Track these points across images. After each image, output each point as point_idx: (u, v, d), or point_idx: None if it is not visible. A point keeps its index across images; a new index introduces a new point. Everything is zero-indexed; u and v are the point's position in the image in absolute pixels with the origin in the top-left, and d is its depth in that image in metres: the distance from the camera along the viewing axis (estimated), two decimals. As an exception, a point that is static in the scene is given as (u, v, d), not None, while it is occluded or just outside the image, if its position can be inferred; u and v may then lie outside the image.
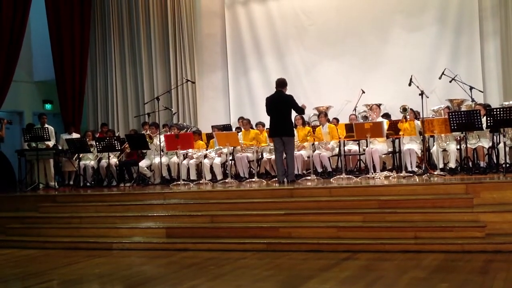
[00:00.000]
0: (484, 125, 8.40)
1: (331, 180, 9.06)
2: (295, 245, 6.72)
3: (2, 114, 13.08)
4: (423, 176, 8.64)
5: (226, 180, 9.96)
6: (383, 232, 6.59)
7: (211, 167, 10.66)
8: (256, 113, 13.01)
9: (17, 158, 11.55)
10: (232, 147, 10.38)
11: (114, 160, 11.24)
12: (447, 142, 9.28)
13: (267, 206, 7.69)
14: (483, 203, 6.78)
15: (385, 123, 9.47)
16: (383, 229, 6.63)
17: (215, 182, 10.26)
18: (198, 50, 14.17)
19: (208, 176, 10.55)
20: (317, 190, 7.98)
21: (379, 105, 10.35)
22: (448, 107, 10.05)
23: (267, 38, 13.58)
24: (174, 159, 10.78)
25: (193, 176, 10.61)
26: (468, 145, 8.79)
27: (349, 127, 9.75)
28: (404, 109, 9.29)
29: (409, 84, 9.23)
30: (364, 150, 9.93)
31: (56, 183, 11.59)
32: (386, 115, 10.71)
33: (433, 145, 9.61)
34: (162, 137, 10.59)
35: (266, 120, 11.37)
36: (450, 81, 9.85)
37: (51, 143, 11.66)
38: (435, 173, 8.74)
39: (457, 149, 9.02)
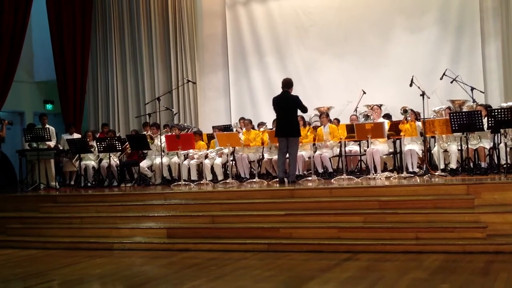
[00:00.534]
0: (485, 126, 8.40)
1: (332, 180, 9.05)
2: (296, 246, 6.72)
3: (3, 114, 13.09)
4: (424, 177, 8.63)
5: (227, 181, 9.96)
6: (384, 232, 6.59)
7: (212, 168, 10.67)
8: (257, 113, 13.03)
9: (18, 158, 11.54)
10: (233, 148, 10.38)
11: (115, 161, 11.25)
12: (448, 143, 9.27)
13: (268, 206, 7.69)
14: (484, 203, 6.78)
15: (386, 124, 9.46)
16: (384, 229, 6.63)
17: (216, 183, 10.26)
18: (199, 50, 14.17)
19: (209, 176, 10.56)
20: (318, 190, 7.98)
21: (380, 106, 10.34)
22: (449, 108, 10.04)
23: (268, 38, 13.58)
24: (175, 159, 10.79)
25: (194, 176, 10.61)
26: (469, 146, 8.79)
27: (350, 128, 9.75)
28: (404, 111, 9.28)
29: (410, 85, 9.24)
30: (365, 150, 9.93)
31: (57, 183, 11.59)
32: (387, 116, 10.71)
33: (434, 146, 9.61)
34: (163, 138, 10.59)
35: (267, 119, 11.43)
36: (451, 82, 9.85)
37: (52, 144, 11.66)
38: (436, 173, 8.74)
39: (458, 149, 9.01)
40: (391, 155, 10.01)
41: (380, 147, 9.68)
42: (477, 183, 7.09)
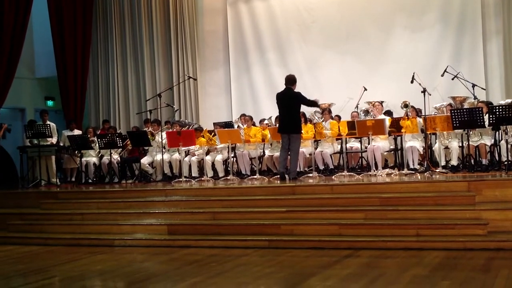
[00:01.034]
0: (486, 123, 8.40)
1: (333, 177, 9.06)
2: (297, 242, 6.72)
3: (4, 111, 13.11)
4: (425, 174, 8.64)
5: (228, 177, 9.96)
6: (385, 229, 6.59)
7: (213, 164, 10.67)
8: (258, 110, 13.03)
9: (19, 155, 11.55)
10: (234, 144, 10.38)
11: (115, 157, 11.25)
12: (449, 140, 9.26)
13: (269, 203, 7.69)
14: (485, 200, 6.78)
15: (387, 121, 9.45)
16: (385, 226, 6.63)
17: (217, 179, 10.26)
18: (200, 47, 14.16)
19: (210, 173, 10.56)
20: (319, 187, 7.98)
21: (381, 103, 10.33)
22: (450, 105, 10.03)
23: (269, 35, 13.56)
24: (176, 156, 10.79)
25: (194, 173, 10.61)
26: (470, 143, 8.78)
27: (351, 124, 9.74)
28: (405, 105, 9.26)
29: (411, 82, 9.23)
30: (366, 147, 9.93)
31: (58, 179, 11.60)
32: (388, 113, 10.69)
33: (435, 143, 9.60)
34: (164, 134, 10.59)
35: (268, 116, 11.41)
36: (453, 79, 9.84)
37: (53, 140, 11.66)
38: (437, 170, 8.73)
39: (459, 146, 9.01)
40: (392, 152, 10.01)
41: (381, 143, 9.67)
42: (478, 180, 7.10)
